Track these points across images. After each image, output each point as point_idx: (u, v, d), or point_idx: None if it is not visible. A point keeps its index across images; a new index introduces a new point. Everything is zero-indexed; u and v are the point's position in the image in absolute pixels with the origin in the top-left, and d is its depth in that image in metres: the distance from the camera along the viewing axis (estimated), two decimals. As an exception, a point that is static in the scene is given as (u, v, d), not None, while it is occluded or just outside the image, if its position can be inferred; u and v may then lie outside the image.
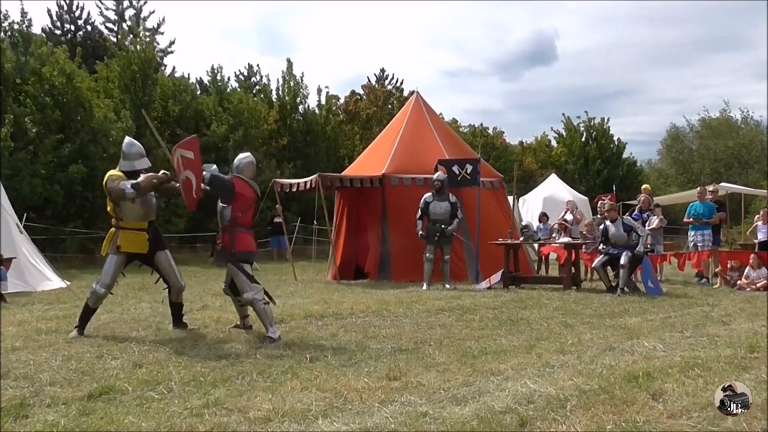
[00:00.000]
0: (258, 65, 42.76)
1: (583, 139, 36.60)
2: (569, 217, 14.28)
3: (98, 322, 7.24)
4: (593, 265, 11.36)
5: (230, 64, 76.23)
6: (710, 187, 13.95)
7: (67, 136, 18.66)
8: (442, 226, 11.50)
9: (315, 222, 18.38)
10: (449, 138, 14.78)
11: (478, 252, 12.43)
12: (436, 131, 14.30)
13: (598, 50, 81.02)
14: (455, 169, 12.32)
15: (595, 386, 4.51)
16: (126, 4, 33.67)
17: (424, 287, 11.24)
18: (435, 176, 11.80)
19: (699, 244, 12.50)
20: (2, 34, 20.35)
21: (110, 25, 33.65)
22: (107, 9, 33.56)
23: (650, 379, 4.70)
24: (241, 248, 6.58)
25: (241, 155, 7.01)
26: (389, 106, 33.97)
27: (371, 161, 14.26)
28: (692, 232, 12.79)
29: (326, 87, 33.13)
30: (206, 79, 28.29)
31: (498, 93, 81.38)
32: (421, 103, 14.93)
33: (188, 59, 53.76)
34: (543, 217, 14.88)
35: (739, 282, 11.38)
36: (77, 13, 32.57)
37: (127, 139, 7.28)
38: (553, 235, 13.75)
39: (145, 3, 33.65)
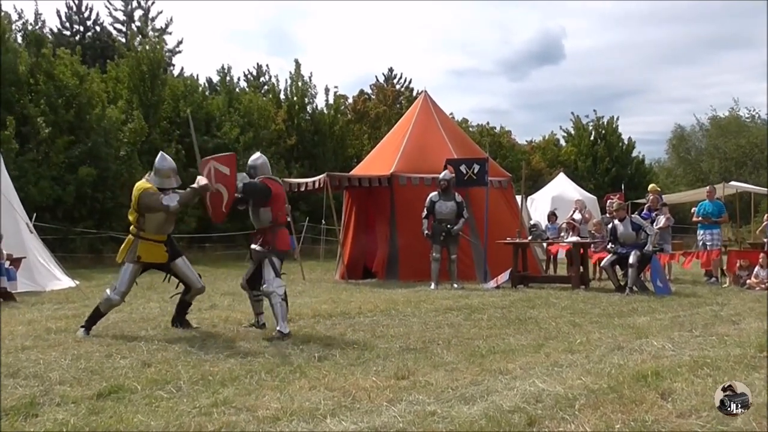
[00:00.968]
0: (267, 65, 42.94)
1: (592, 138, 36.45)
2: (578, 216, 14.22)
3: (107, 322, 7.27)
4: (602, 264, 11.32)
5: (238, 65, 76.44)
6: (707, 188, 13.87)
7: (78, 137, 18.77)
8: (448, 225, 11.49)
9: (323, 221, 18.37)
10: (457, 137, 14.75)
11: (486, 251, 12.41)
12: (445, 131, 14.28)
13: (606, 49, 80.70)
14: (463, 168, 12.29)
15: (604, 385, 4.50)
16: (135, 4, 33.88)
17: (432, 287, 11.25)
18: (441, 176, 11.78)
19: (708, 243, 12.47)
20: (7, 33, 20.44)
21: (119, 26, 33.90)
22: (116, 10, 33.82)
23: (659, 378, 4.68)
24: (282, 247, 6.85)
25: (254, 156, 7.10)
26: (398, 106, 33.98)
27: (379, 161, 14.25)
28: (701, 231, 12.76)
29: (335, 87, 33.10)
30: (215, 78, 28.45)
31: (505, 93, 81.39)
32: (429, 102, 14.90)
33: (196, 59, 54.03)
34: (551, 216, 14.84)
35: (748, 281, 11.30)
36: (86, 14, 32.82)
37: (161, 155, 7.17)
38: (562, 234, 13.71)
39: (153, 3, 33.88)
